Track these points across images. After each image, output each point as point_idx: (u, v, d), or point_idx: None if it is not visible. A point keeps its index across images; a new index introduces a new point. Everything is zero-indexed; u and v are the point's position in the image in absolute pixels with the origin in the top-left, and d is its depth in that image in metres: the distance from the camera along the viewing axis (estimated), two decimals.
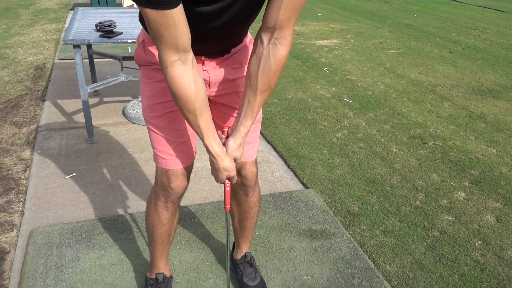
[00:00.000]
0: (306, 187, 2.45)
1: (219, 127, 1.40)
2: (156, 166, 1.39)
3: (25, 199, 2.27)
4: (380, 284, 1.78)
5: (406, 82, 4.16)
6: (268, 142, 2.96)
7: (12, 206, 2.23)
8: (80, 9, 3.36)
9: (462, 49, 5.44)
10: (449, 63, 4.83)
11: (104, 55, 3.39)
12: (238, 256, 1.75)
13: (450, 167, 2.66)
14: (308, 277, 1.81)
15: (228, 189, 1.31)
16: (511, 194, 2.41)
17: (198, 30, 1.14)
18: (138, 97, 3.52)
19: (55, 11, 6.99)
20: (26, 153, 2.72)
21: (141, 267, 1.82)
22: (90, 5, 7.19)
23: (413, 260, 1.91)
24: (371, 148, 2.88)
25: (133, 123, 3.18)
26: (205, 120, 1.17)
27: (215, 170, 1.25)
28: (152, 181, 2.42)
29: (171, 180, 1.37)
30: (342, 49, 5.25)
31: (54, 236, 1.98)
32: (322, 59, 4.79)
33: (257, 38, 1.16)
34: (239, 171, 1.46)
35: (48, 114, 3.27)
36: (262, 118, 1.63)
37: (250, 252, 1.76)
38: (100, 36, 2.62)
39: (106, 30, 2.68)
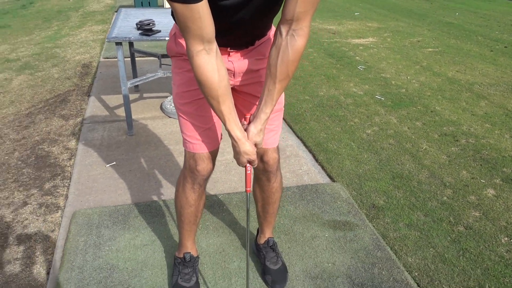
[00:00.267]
0: (333, 181, 2.51)
1: (242, 115, 1.49)
2: (185, 150, 1.51)
3: (69, 184, 2.46)
4: (401, 275, 1.81)
5: (442, 80, 4.09)
6: (298, 137, 3.03)
7: (58, 190, 2.42)
8: (123, 9, 3.56)
9: (505, 47, 5.27)
10: (489, 61, 4.70)
11: (144, 53, 3.57)
12: (261, 241, 1.84)
13: (481, 165, 2.62)
14: (329, 265, 1.87)
15: (249, 172, 1.40)
16: None
17: (223, 23, 1.23)
18: None
19: (102, 13, 7.35)
20: (72, 143, 2.93)
21: (171, 248, 1.95)
22: (134, 6, 7.52)
23: (436, 253, 1.92)
24: (400, 144, 2.88)
25: (169, 117, 3.34)
26: (227, 106, 1.27)
27: (237, 154, 1.35)
28: None
29: (198, 163, 1.47)
30: (378, 47, 5.21)
31: (94, 218, 2.14)
32: (357, 57, 4.79)
33: (277, 30, 1.24)
34: (261, 157, 1.54)
35: (93, 108, 3.49)
36: (286, 109, 1.70)
37: (273, 237, 1.84)
38: (140, 34, 2.79)
39: (146, 29, 2.84)
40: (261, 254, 1.82)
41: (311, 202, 2.30)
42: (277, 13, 1.34)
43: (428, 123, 3.19)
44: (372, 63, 4.59)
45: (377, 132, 3.05)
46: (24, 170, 2.61)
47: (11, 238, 2.04)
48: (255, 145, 1.36)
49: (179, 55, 1.41)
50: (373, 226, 2.11)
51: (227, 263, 1.87)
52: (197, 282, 1.71)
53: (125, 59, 4.70)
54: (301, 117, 3.30)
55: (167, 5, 6.47)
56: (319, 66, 4.48)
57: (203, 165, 1.48)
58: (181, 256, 1.74)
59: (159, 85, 3.99)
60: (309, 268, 1.84)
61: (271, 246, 1.81)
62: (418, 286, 1.75)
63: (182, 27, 1.14)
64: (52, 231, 2.09)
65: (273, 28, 1.50)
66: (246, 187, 1.41)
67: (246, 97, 1.49)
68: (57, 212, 2.23)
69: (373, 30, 6.13)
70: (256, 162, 1.38)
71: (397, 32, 6.05)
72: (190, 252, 1.73)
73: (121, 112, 3.41)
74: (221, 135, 1.54)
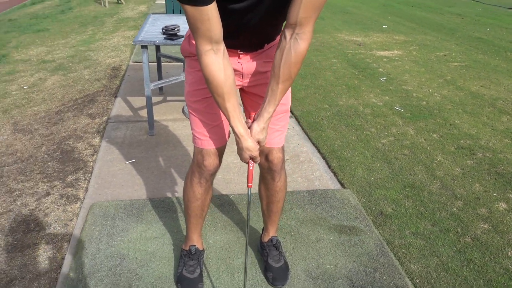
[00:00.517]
0: (344, 187, 2.54)
1: (250, 113, 1.56)
2: (194, 146, 1.59)
3: (90, 178, 2.59)
4: (401, 280, 1.82)
5: (465, 94, 4.05)
6: (313, 144, 3.07)
7: (79, 183, 2.55)
8: (151, 15, 3.72)
9: None
10: None
11: (170, 58, 3.71)
12: (265, 239, 1.89)
13: (495, 179, 2.59)
14: (331, 267, 1.90)
15: (251, 168, 1.47)
16: None
17: (232, 25, 1.31)
18: None
19: (135, 20, 7.63)
20: (96, 140, 3.07)
21: (179, 242, 2.03)
22: (166, 13, 7.77)
23: (439, 262, 1.92)
24: (415, 155, 2.88)
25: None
26: (232, 104, 1.34)
27: (240, 150, 1.42)
28: None
29: (205, 158, 1.55)
30: (403, 60, 5.20)
31: (109, 210, 2.25)
32: (380, 69, 4.80)
33: (282, 34, 1.31)
34: (266, 156, 1.61)
35: (118, 108, 3.64)
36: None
37: (276, 236, 1.89)
38: (165, 38, 2.92)
39: (171, 33, 2.97)
40: (265, 252, 1.88)
41: (320, 206, 2.34)
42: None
43: (446, 136, 3.17)
44: (395, 75, 4.59)
45: (393, 142, 3.06)
46: (49, 163, 2.76)
47: (32, 224, 2.17)
48: (259, 142, 1.43)
49: (192, 55, 1.50)
50: (379, 232, 2.13)
51: (232, 259, 1.93)
52: (200, 275, 1.78)
53: (152, 63, 4.88)
54: (318, 125, 3.34)
55: None
56: (341, 76, 4.51)
57: (210, 161, 1.56)
58: (187, 248, 1.81)
59: (183, 88, 4.13)
60: (311, 269, 1.88)
61: (274, 244, 1.86)
62: None
63: (192, 28, 1.23)
64: (71, 220, 2.21)
65: None
66: (248, 182, 1.48)
67: (254, 97, 1.57)
68: (77, 203, 2.35)
69: (399, 43, 6.12)
70: (258, 159, 1.44)
71: (424, 45, 6.02)
72: (195, 245, 1.80)
73: (144, 113, 3.55)
74: (229, 133, 1.62)
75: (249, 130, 1.40)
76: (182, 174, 2.63)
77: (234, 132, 1.39)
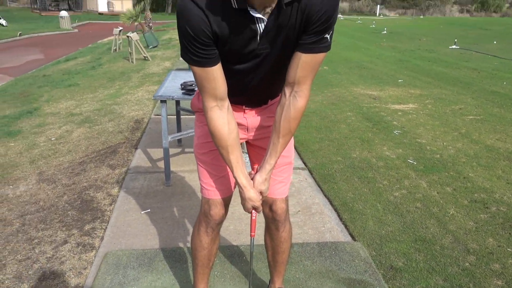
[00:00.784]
0: (354, 240, 2.53)
1: (254, 165, 1.64)
2: (201, 196, 1.67)
3: (106, 227, 2.68)
4: None
5: (479, 147, 4.05)
6: (326, 196, 3.11)
7: (96, 232, 2.64)
8: (173, 72, 3.96)
9: None
10: None
11: (189, 111, 3.89)
12: None
13: (510, 233, 2.55)
14: None
15: (254, 218, 1.53)
16: None
17: (237, 84, 1.43)
18: None
19: (159, 75, 8.03)
20: (115, 190, 3.19)
21: None
22: (188, 69, 8.16)
23: None
24: (427, 208, 2.87)
25: None
26: (235, 156, 1.43)
27: (243, 200, 1.49)
28: None
29: (211, 208, 1.63)
30: (418, 113, 5.27)
31: (122, 259, 2.31)
32: (394, 122, 4.87)
33: (282, 91, 1.42)
34: (270, 207, 1.67)
35: (138, 159, 3.79)
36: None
37: (282, 287, 1.90)
38: (183, 93, 3.10)
39: (188, 89, 3.15)
40: None
41: (329, 259, 2.34)
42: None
43: (459, 189, 3.16)
44: (409, 128, 4.64)
45: (405, 195, 3.07)
46: (69, 212, 2.87)
47: (48, 272, 2.25)
48: (261, 193, 1.50)
49: (201, 110, 1.62)
50: (389, 287, 2.10)
51: None
52: None
53: (172, 116, 5.09)
54: (331, 177, 3.39)
55: None
56: (355, 129, 4.59)
57: (216, 210, 1.63)
58: None
59: None
60: None
61: None
62: None
63: (198, 86, 1.36)
64: (85, 268, 2.27)
65: None
66: (250, 232, 1.54)
67: (258, 150, 1.66)
68: (92, 251, 2.43)
69: (414, 97, 6.22)
70: (260, 209, 1.51)
71: (439, 99, 6.09)
72: None
73: (162, 164, 3.68)
74: (235, 183, 1.69)
75: (252, 181, 1.48)
76: None
77: (237, 182, 1.47)
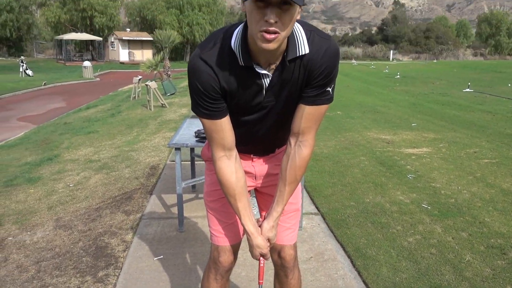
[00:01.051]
0: (368, 287, 2.49)
1: (262, 212, 1.68)
2: (211, 242, 1.70)
3: (119, 274, 2.70)
4: None
5: (495, 191, 4.00)
6: (338, 241, 3.09)
7: (109, 279, 2.66)
8: (187, 120, 4.09)
9: None
10: None
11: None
12: None
13: None
14: None
15: (262, 265, 1.55)
16: None
17: (245, 134, 1.51)
18: None
19: (176, 122, 8.24)
20: (129, 237, 3.24)
21: None
22: None
23: None
24: (442, 254, 2.82)
25: None
26: (243, 203, 1.48)
27: (250, 247, 1.52)
28: None
29: (220, 254, 1.66)
30: (432, 157, 5.26)
31: None
32: (408, 166, 4.86)
33: (288, 141, 1.49)
34: (279, 253, 1.69)
35: (152, 205, 3.85)
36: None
37: None
38: (197, 141, 3.19)
39: (202, 136, 3.25)
40: None
41: None
42: None
43: (475, 234, 3.10)
44: (423, 172, 4.63)
45: (419, 241, 3.03)
46: (84, 258, 2.91)
47: None
48: (269, 240, 1.53)
49: (210, 159, 1.69)
50: None
51: None
52: None
53: (187, 162, 5.19)
54: (344, 223, 3.37)
55: None
56: (369, 174, 4.60)
57: (225, 257, 1.66)
58: None
59: None
60: None
61: None
62: None
63: (208, 137, 1.44)
64: None
65: None
66: (259, 279, 1.55)
67: (267, 197, 1.70)
68: None
69: (428, 141, 6.22)
70: (268, 256, 1.53)
71: (453, 142, 6.08)
72: None
73: (176, 210, 3.73)
74: (244, 231, 1.73)
75: (259, 228, 1.51)
76: None
77: (245, 230, 1.50)
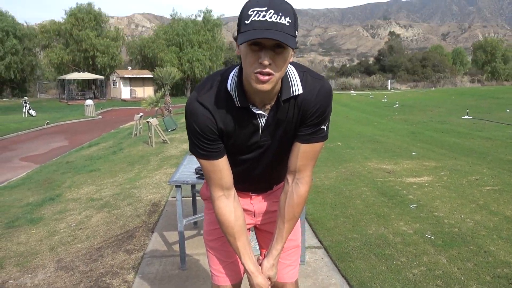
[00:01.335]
0: None
1: (262, 250, 1.69)
2: (211, 282, 1.70)
3: None
4: None
5: (499, 219, 3.98)
6: (343, 275, 3.05)
7: None
8: (188, 156, 4.13)
9: None
10: None
11: None
12: None
13: None
14: None
15: None
16: None
17: (243, 173, 1.53)
18: None
19: (177, 157, 8.28)
20: (130, 276, 3.20)
21: None
22: None
23: None
24: (448, 286, 2.78)
25: None
26: (242, 242, 1.49)
27: (251, 286, 1.51)
28: None
29: None
30: (433, 186, 5.25)
31: None
32: (410, 196, 4.85)
33: (285, 179, 1.51)
34: None
35: (154, 243, 3.83)
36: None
37: None
38: (197, 177, 3.21)
39: (202, 173, 3.27)
40: None
41: None
42: None
43: (480, 264, 3.07)
44: (425, 201, 4.61)
45: (424, 273, 2.99)
46: None
47: None
48: (269, 279, 1.52)
49: (209, 199, 1.71)
50: None
51: None
52: None
53: (188, 198, 5.19)
54: (347, 256, 3.34)
55: None
56: (371, 205, 4.58)
57: None
58: None
59: None
60: None
61: None
62: None
63: (206, 177, 1.46)
64: None
65: None
66: None
67: (266, 234, 1.71)
68: None
69: (429, 169, 6.23)
70: None
71: (454, 170, 6.08)
72: None
73: (177, 247, 3.70)
74: (244, 270, 1.72)
75: (259, 267, 1.51)
76: None
77: (245, 269, 1.50)
